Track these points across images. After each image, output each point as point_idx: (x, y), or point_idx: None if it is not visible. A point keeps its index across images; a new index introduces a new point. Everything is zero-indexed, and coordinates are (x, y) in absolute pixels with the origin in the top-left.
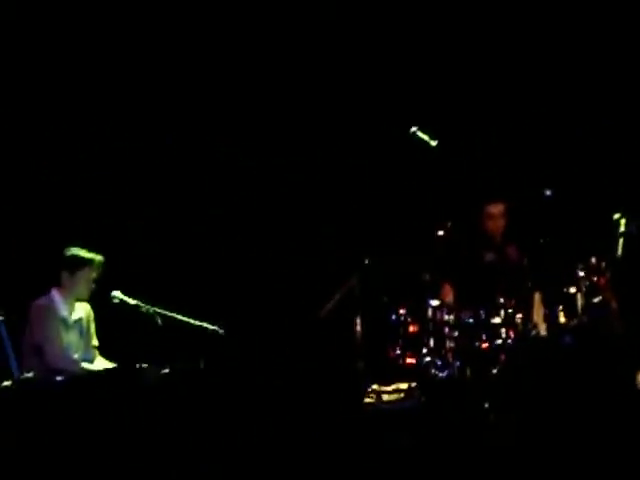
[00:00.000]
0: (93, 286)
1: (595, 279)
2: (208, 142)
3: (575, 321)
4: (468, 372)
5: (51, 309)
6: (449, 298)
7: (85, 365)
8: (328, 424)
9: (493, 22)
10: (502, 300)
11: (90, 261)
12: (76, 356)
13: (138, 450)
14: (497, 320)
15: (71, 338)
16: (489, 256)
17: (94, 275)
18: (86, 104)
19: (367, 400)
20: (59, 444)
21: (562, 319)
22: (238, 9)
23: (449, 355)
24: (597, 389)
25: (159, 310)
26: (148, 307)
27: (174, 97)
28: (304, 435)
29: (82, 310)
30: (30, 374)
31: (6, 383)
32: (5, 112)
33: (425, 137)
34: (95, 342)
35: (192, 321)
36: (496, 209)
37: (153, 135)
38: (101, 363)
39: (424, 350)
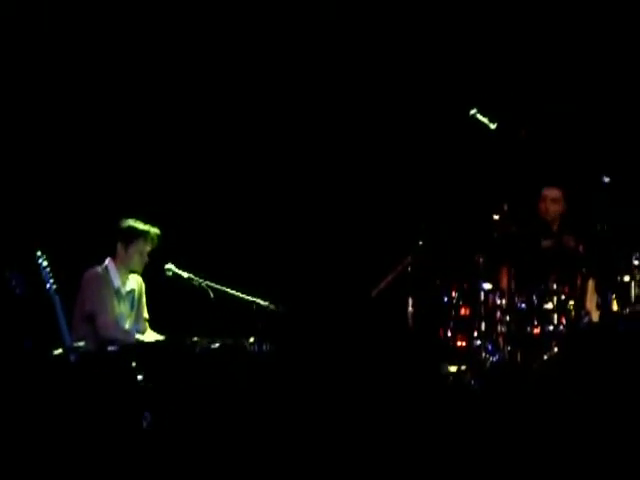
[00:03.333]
0: (147, 259)
1: None
2: (274, 120)
3: (628, 310)
4: (519, 357)
5: (104, 278)
6: (504, 282)
7: (137, 336)
8: (379, 403)
9: (565, 6)
10: (555, 286)
11: (145, 233)
12: (127, 327)
13: (185, 421)
14: (549, 306)
15: (123, 309)
16: (546, 242)
17: (148, 248)
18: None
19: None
20: (107, 413)
21: (615, 307)
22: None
23: (500, 339)
24: None
25: (211, 284)
26: (200, 281)
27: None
28: (354, 415)
29: (134, 282)
30: (81, 343)
31: (57, 351)
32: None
33: (484, 119)
34: (146, 315)
35: (244, 296)
36: (551, 193)
37: (212, 109)
38: (151, 336)
39: (475, 333)
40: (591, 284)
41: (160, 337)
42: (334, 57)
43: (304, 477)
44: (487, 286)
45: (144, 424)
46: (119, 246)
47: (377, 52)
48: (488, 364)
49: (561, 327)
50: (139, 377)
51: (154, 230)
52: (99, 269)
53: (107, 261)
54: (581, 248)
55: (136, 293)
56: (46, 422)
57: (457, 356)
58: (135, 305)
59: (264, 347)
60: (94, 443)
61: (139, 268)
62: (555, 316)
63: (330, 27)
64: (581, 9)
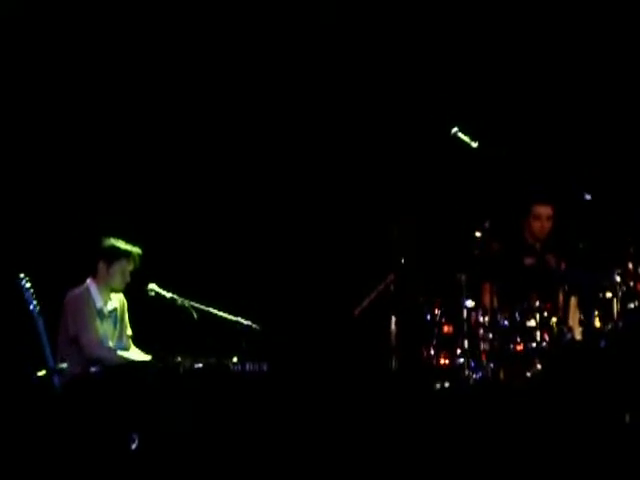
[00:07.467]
0: (128, 278)
1: (631, 284)
2: (256, 139)
3: (610, 326)
4: (502, 374)
5: (87, 299)
6: (486, 299)
7: (121, 353)
8: (361, 422)
9: (544, 25)
10: (538, 303)
11: (127, 253)
12: (111, 345)
13: (170, 442)
14: (532, 323)
15: (106, 328)
16: (528, 260)
17: (130, 267)
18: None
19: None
20: (92, 434)
21: (597, 324)
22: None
23: (483, 357)
24: (632, 394)
25: (195, 304)
26: (183, 300)
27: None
28: (335, 434)
29: (116, 300)
30: (64, 364)
31: (40, 373)
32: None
33: (466, 138)
34: (129, 331)
35: (227, 316)
36: (544, 210)
37: (195, 129)
38: (135, 352)
39: (458, 351)
40: (574, 301)
41: (144, 354)
42: (314, 79)
43: None
44: (470, 303)
45: (131, 445)
46: (101, 265)
47: (356, 78)
48: (471, 381)
49: (544, 344)
50: (123, 398)
51: (136, 250)
52: (80, 290)
53: (88, 281)
54: (563, 266)
55: (118, 312)
56: (30, 444)
57: (440, 374)
58: (118, 323)
59: (247, 367)
60: (79, 465)
61: (121, 287)
62: (538, 333)
63: (314, 42)
64: (560, 31)
